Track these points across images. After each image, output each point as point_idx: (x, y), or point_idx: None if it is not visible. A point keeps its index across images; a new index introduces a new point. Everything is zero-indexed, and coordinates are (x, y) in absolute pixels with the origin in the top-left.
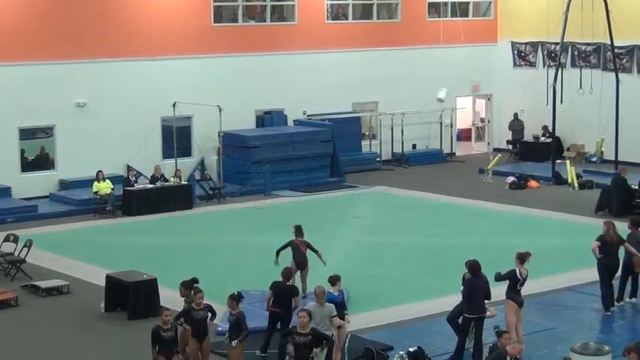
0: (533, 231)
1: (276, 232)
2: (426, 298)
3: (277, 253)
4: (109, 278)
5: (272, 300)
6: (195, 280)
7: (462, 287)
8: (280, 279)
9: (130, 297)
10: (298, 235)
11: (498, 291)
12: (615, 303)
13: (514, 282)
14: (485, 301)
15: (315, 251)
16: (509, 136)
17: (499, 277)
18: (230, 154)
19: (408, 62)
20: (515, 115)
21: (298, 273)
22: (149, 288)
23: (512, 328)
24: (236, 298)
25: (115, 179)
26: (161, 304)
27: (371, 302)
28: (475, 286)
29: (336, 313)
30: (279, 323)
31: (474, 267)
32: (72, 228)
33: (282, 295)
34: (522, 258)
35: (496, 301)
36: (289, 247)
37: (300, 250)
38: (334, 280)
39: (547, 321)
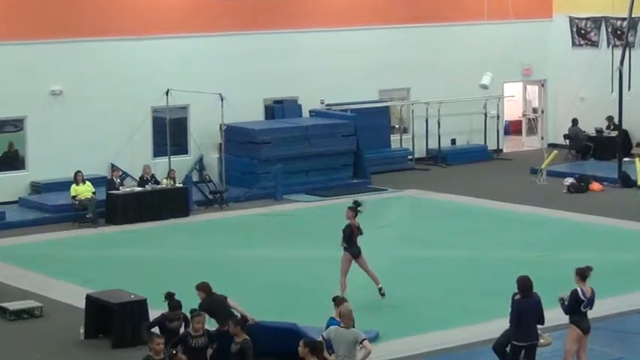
0: (596, 243)
1: (289, 245)
2: (468, 322)
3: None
4: (89, 299)
5: None
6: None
7: (510, 309)
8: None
9: (114, 321)
10: (354, 216)
11: (553, 314)
12: None
13: (577, 303)
14: (539, 326)
15: (360, 232)
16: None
17: (566, 305)
18: (234, 152)
19: (446, 42)
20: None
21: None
22: (137, 310)
23: (569, 359)
24: (240, 323)
25: (96, 181)
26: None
27: (403, 328)
28: (525, 308)
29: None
30: None
31: (524, 285)
32: (45, 239)
33: None
34: (583, 274)
35: (550, 327)
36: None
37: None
38: (340, 301)
39: (614, 350)
